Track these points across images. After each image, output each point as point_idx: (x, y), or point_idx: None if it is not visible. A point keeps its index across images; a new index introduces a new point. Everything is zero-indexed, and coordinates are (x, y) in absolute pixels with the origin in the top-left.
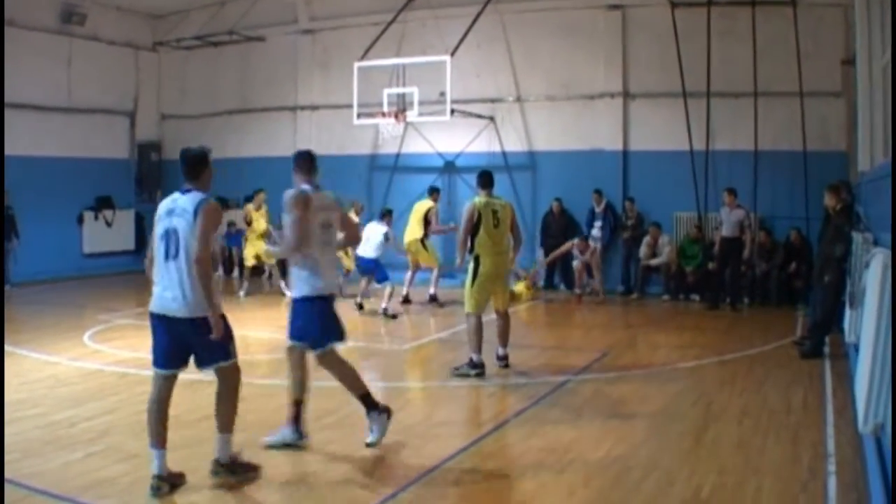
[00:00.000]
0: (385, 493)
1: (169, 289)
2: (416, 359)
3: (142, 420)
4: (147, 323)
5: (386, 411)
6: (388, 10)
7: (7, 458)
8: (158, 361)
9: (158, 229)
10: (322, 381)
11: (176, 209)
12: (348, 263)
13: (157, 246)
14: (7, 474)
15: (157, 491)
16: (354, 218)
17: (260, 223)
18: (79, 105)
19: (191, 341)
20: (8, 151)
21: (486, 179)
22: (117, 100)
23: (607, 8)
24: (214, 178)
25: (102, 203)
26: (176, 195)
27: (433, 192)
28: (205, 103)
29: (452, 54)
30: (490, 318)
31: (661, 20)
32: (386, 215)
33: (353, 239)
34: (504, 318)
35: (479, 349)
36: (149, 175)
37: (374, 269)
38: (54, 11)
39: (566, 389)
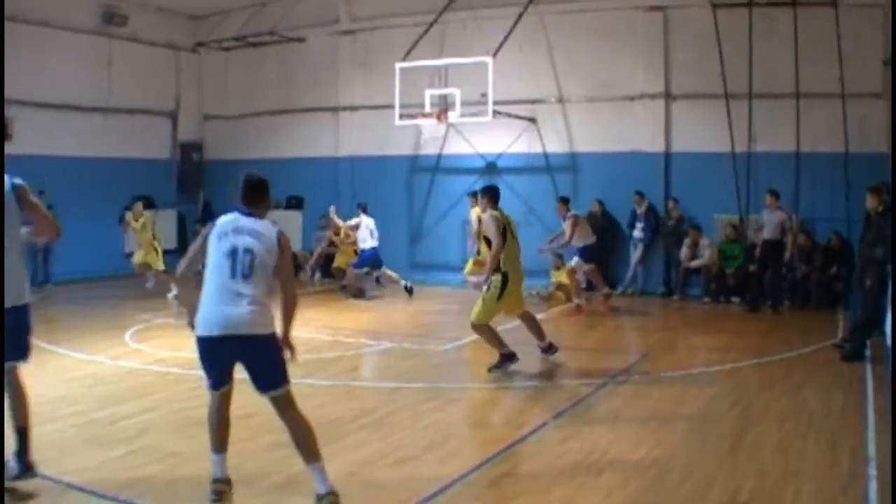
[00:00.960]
0: (422, 495)
1: (236, 307)
2: (455, 359)
3: (181, 418)
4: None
5: (31, 469)
6: (428, 10)
7: (46, 455)
8: (215, 384)
9: (222, 246)
10: (358, 382)
11: (246, 229)
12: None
13: (219, 263)
14: (46, 471)
15: (220, 496)
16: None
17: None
18: (120, 105)
19: (250, 360)
20: (49, 151)
21: (495, 194)
22: (158, 100)
23: (648, 9)
24: None
25: (144, 203)
26: (237, 216)
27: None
28: (246, 104)
29: (494, 55)
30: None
31: (702, 21)
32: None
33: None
34: (527, 317)
35: (502, 344)
36: (190, 175)
37: (378, 257)
38: (95, 13)
39: (606, 391)
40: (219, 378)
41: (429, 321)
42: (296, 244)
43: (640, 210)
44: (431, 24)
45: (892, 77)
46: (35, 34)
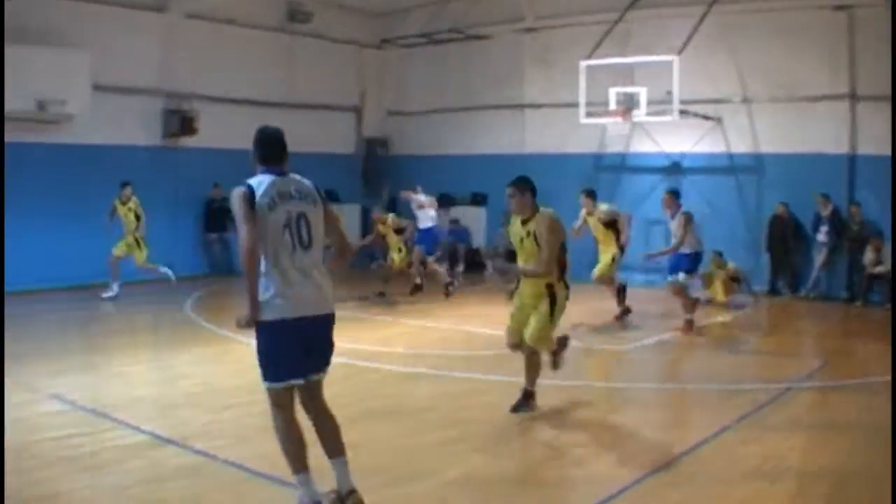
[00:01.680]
0: (600, 496)
1: (308, 284)
2: (635, 360)
3: (358, 411)
4: (370, 316)
5: None
6: (610, 9)
7: (220, 442)
8: (288, 372)
9: (276, 218)
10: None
11: (290, 192)
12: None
13: (279, 238)
14: (224, 456)
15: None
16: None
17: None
18: (303, 101)
19: (321, 339)
20: (231, 145)
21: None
22: (341, 96)
23: (832, 9)
24: (440, 175)
25: (328, 197)
26: (273, 178)
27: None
28: (429, 100)
29: (679, 54)
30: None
31: (888, 20)
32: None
33: None
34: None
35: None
36: (375, 170)
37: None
38: (280, 10)
39: (787, 397)
40: (294, 365)
41: (610, 320)
42: (479, 240)
43: (825, 213)
44: (616, 22)
45: (893, 78)
46: (221, 32)
